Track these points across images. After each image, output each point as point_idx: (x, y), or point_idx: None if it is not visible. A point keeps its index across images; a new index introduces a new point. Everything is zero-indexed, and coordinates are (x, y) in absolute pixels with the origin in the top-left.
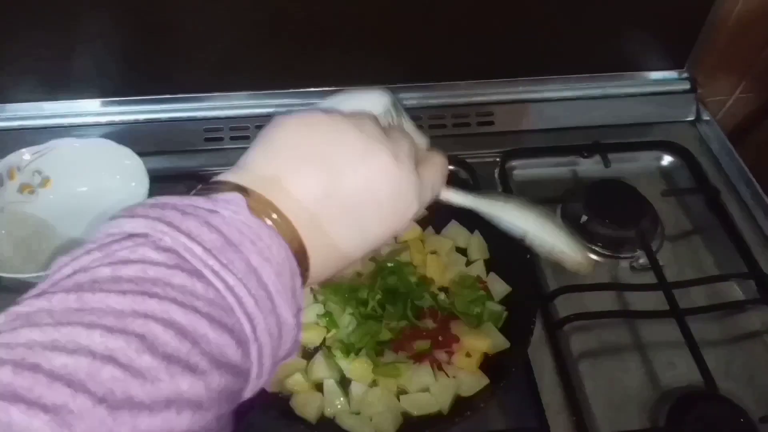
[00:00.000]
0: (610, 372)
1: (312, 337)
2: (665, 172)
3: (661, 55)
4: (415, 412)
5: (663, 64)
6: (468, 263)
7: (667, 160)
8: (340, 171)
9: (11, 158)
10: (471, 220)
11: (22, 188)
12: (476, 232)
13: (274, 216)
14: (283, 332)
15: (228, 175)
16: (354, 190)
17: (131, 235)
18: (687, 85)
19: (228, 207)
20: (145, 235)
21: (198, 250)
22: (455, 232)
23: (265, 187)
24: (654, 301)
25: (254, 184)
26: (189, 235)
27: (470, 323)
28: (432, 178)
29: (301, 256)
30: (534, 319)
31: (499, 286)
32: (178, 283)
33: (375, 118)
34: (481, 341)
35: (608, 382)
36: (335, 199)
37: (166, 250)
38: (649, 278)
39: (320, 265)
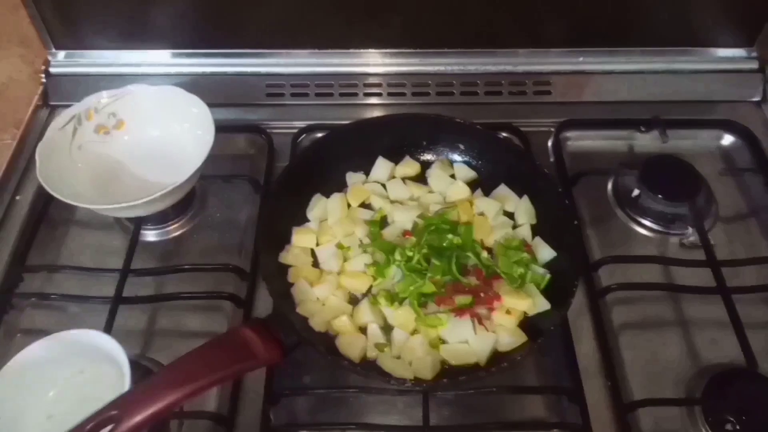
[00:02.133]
0: (650, 344)
1: (359, 285)
2: (724, 152)
3: (730, 31)
4: (453, 362)
5: (731, 41)
6: (514, 227)
7: (727, 139)
8: None
9: (90, 99)
10: (520, 184)
11: (98, 129)
12: (525, 197)
13: None
14: None
15: None
16: None
17: None
18: (755, 65)
19: None
20: None
21: None
22: (504, 195)
23: None
24: (700, 278)
25: None
26: None
27: (512, 283)
28: None
29: None
30: (576, 283)
31: (544, 251)
32: None
33: None
34: (522, 301)
35: (647, 353)
36: None
37: None
38: (698, 255)
39: None
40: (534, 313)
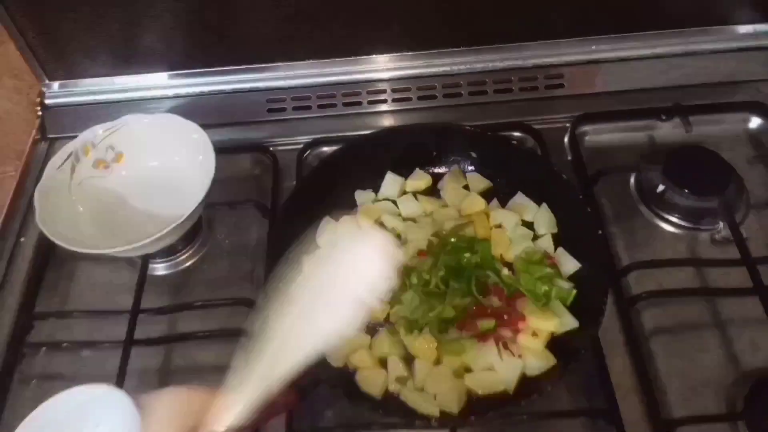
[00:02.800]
0: (685, 351)
1: (375, 313)
2: (753, 136)
3: (751, 5)
4: (480, 391)
5: (752, 16)
6: (535, 237)
7: (755, 122)
8: None
9: (86, 135)
10: (538, 190)
11: (97, 164)
12: (544, 204)
13: None
14: None
15: None
16: None
17: None
18: None
19: None
20: None
21: None
22: (522, 204)
23: None
24: (735, 276)
25: None
26: None
27: (537, 302)
28: None
29: None
30: (605, 299)
31: (568, 263)
32: None
33: None
34: (549, 321)
35: (682, 362)
36: None
37: None
38: (731, 252)
39: None
40: (561, 332)
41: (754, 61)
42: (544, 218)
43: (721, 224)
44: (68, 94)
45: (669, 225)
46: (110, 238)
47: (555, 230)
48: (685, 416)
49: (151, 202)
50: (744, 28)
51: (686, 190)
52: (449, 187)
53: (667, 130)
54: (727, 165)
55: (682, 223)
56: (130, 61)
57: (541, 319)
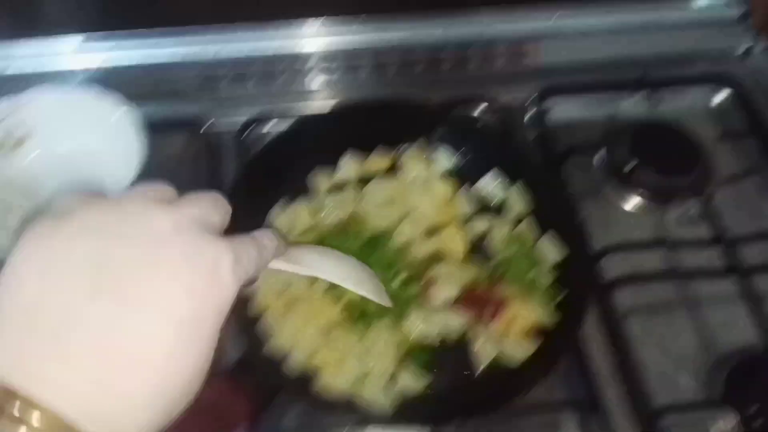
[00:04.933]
0: (662, 335)
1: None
2: (717, 111)
3: None
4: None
5: None
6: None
7: (718, 97)
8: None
9: None
10: (508, 172)
11: None
12: (515, 185)
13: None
14: None
15: None
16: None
17: None
18: (740, 10)
19: None
20: None
21: None
22: (490, 185)
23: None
24: (707, 255)
25: None
26: None
27: (522, 287)
28: (248, 250)
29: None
30: (588, 296)
31: (551, 252)
32: None
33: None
34: (532, 310)
35: (660, 346)
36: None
37: None
38: (702, 229)
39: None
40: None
41: (715, 34)
42: (516, 199)
43: (691, 202)
44: None
45: (637, 204)
46: (11, 235)
47: (529, 210)
48: (669, 404)
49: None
50: (703, 1)
51: (655, 168)
52: (409, 164)
53: (632, 105)
54: (695, 142)
55: (651, 201)
56: (32, 22)
57: (524, 308)
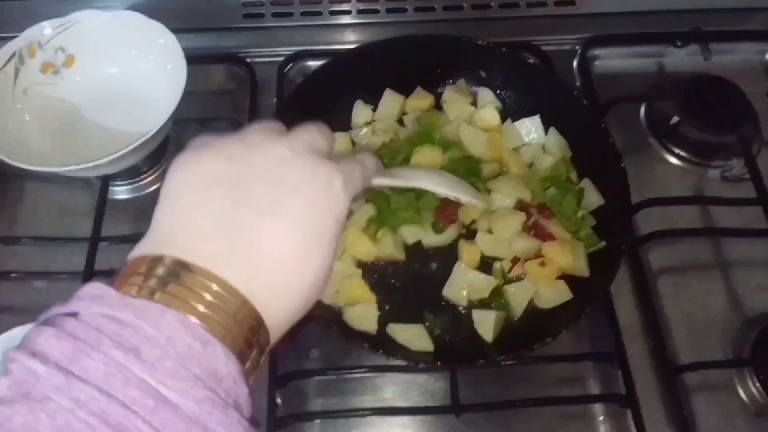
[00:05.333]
0: (692, 294)
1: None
2: None
3: None
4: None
5: None
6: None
7: None
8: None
9: (30, 33)
10: (554, 116)
11: (44, 68)
12: (552, 129)
13: (193, 279)
14: (199, 422)
15: (141, 248)
16: (265, 187)
17: None
18: None
19: (81, 303)
20: (3, 372)
21: (41, 369)
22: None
23: (170, 245)
24: (747, 216)
25: (161, 247)
26: (34, 354)
27: (568, 225)
28: (354, 169)
29: (241, 307)
30: (624, 247)
31: (592, 196)
32: (18, 423)
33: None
34: (568, 254)
35: (689, 305)
36: (248, 204)
37: (14, 380)
38: (743, 190)
39: (282, 295)
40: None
41: None
42: (558, 141)
43: (734, 161)
44: None
45: (679, 159)
46: (64, 155)
47: (569, 154)
48: (693, 362)
49: (111, 115)
50: None
51: (703, 124)
52: (452, 101)
53: (681, 58)
54: (745, 99)
55: (693, 158)
56: None
57: (565, 249)
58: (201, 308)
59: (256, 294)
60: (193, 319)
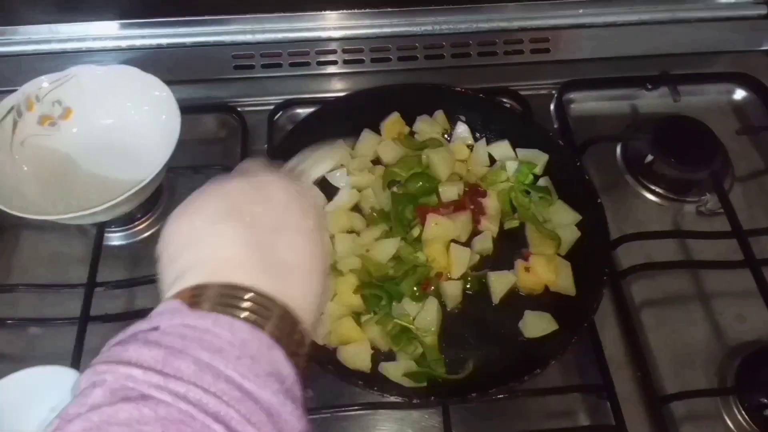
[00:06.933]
0: (675, 325)
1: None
2: (736, 108)
3: None
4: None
5: None
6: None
7: (739, 94)
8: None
9: (29, 87)
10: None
11: (42, 120)
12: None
13: (240, 298)
14: (274, 412)
15: (183, 282)
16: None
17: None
18: (764, 10)
19: (162, 318)
20: (92, 384)
21: (137, 373)
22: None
23: (211, 274)
24: (722, 249)
25: (203, 277)
26: (128, 362)
27: (539, 228)
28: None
29: (283, 313)
30: (606, 269)
31: (567, 214)
32: (124, 418)
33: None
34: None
35: (672, 336)
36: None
37: (110, 388)
38: (718, 224)
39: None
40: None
41: (739, 30)
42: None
43: (708, 196)
44: (7, 43)
45: (655, 196)
46: (59, 204)
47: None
48: (678, 391)
49: (106, 165)
50: None
51: (675, 162)
52: (424, 131)
53: (653, 100)
54: (714, 136)
55: (669, 194)
56: (76, 6)
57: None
58: (255, 318)
59: (292, 300)
60: (256, 327)
